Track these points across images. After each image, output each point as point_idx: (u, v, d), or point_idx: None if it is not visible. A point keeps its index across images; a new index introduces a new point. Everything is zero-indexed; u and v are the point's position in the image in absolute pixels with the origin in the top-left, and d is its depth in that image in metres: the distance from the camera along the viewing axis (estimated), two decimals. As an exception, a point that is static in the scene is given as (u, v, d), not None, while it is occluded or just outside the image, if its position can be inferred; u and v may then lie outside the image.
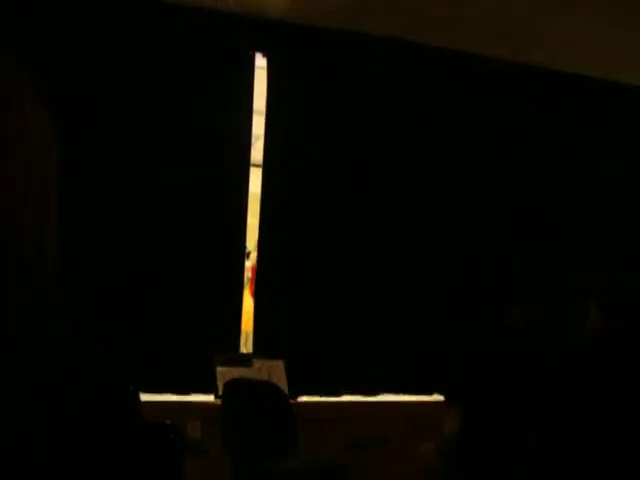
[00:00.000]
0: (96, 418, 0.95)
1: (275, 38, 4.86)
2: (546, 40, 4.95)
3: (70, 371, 0.95)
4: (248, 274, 5.28)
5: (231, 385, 3.88)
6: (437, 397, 4.86)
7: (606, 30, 4.74)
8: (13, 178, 0.97)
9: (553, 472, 2.76)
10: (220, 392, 3.96)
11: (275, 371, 4.20)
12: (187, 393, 4.28)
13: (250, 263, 5.41)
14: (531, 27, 4.75)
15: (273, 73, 4.90)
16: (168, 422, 2.31)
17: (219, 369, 4.07)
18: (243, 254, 4.94)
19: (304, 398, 4.68)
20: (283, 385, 4.13)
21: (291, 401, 4.24)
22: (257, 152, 4.97)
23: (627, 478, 2.64)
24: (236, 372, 4.05)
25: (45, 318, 0.94)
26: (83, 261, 4.05)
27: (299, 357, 4.54)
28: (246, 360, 4.26)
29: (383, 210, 5.06)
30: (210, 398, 4.21)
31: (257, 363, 4.23)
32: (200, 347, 4.38)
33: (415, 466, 4.03)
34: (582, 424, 2.75)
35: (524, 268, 5.36)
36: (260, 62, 4.90)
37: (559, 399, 2.84)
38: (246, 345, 5.14)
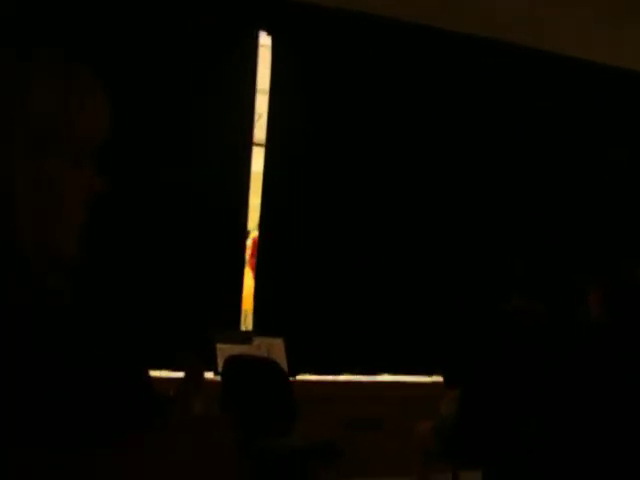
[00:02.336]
0: (114, 395, 0.97)
1: (280, 16, 4.84)
2: (552, 25, 4.94)
3: (85, 357, 0.96)
4: (247, 252, 5.29)
5: (231, 362, 3.90)
6: (436, 378, 4.90)
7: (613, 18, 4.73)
8: (12, 178, 0.98)
9: (550, 458, 2.78)
10: (220, 369, 3.98)
11: (275, 349, 4.22)
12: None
13: (250, 241, 5.43)
14: (538, 11, 4.74)
15: (277, 52, 4.89)
16: (172, 393, 2.32)
17: (219, 346, 4.09)
18: (244, 233, 4.95)
19: (303, 376, 4.71)
20: (283, 363, 4.15)
21: (290, 379, 4.26)
22: (259, 131, 4.97)
23: (626, 466, 2.66)
24: (236, 349, 4.07)
25: (52, 309, 0.95)
26: (84, 241, 4.05)
27: (299, 335, 4.56)
28: (246, 337, 4.27)
29: (385, 191, 5.07)
30: (210, 375, 4.24)
31: (257, 340, 4.25)
32: (201, 325, 4.40)
33: (412, 445, 4.07)
34: (580, 411, 2.76)
35: (526, 255, 5.37)
36: (264, 40, 4.89)
37: (558, 386, 2.86)
38: (245, 323, 5.16)
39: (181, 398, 1.30)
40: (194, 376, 1.40)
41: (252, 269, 5.20)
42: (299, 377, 4.66)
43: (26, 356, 0.89)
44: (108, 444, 0.89)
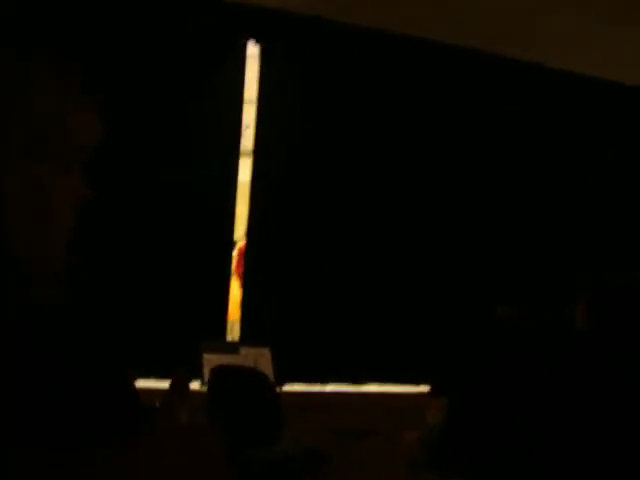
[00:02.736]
0: (98, 404, 0.97)
1: (269, 27, 4.85)
2: (542, 37, 4.96)
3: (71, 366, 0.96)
4: (234, 262, 5.29)
5: (217, 371, 3.88)
6: (424, 388, 4.89)
7: (604, 27, 4.75)
8: (4, 180, 0.97)
9: (538, 466, 2.78)
10: (206, 378, 3.96)
11: (261, 359, 4.20)
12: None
13: (236, 251, 5.43)
14: (527, 23, 4.76)
15: (265, 62, 4.89)
16: (157, 404, 2.31)
17: (205, 356, 4.07)
18: (231, 243, 4.95)
19: (290, 386, 4.70)
20: (269, 373, 4.13)
21: (277, 389, 4.25)
22: (246, 141, 4.97)
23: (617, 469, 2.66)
24: (222, 359, 4.05)
25: (40, 313, 0.94)
26: (73, 245, 4.02)
27: (285, 345, 4.55)
28: (233, 347, 4.26)
29: (374, 200, 5.08)
30: (196, 385, 4.21)
31: (243, 350, 4.23)
32: (187, 334, 4.39)
33: (398, 455, 4.06)
34: (568, 418, 2.77)
35: (516, 263, 5.39)
36: (252, 50, 4.89)
37: (545, 393, 2.87)
38: (232, 333, 5.14)
39: (166, 407, 1.28)
40: (179, 386, 1.39)
41: (239, 278, 5.19)
42: (286, 387, 4.65)
43: (18, 358, 0.88)
44: (98, 446, 0.89)
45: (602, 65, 5.33)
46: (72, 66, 1.08)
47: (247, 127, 5.01)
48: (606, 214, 5.64)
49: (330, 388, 4.90)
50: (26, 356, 0.91)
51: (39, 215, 1.04)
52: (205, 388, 3.95)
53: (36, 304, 0.99)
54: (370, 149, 5.10)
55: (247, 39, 4.84)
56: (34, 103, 1.01)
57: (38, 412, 0.89)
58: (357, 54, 5.05)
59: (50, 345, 0.96)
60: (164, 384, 3.95)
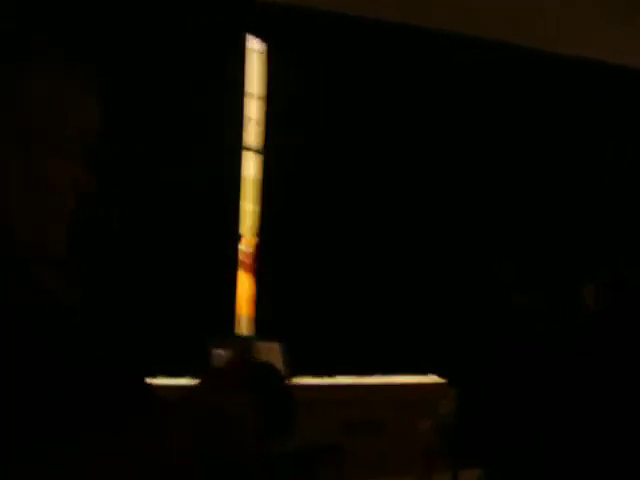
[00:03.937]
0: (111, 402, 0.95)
1: (275, 22, 4.82)
2: (542, 20, 4.91)
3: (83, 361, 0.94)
4: (247, 257, 5.29)
5: (228, 367, 3.86)
6: (433, 378, 4.88)
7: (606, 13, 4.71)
8: (6, 176, 0.96)
9: (550, 454, 2.77)
10: (217, 374, 3.94)
11: (272, 353, 4.18)
12: (182, 376, 4.27)
13: (251, 248, 5.43)
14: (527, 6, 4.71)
15: (273, 57, 4.87)
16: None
17: (215, 351, 4.05)
18: (236, 238, 4.95)
19: (301, 379, 4.68)
20: (281, 366, 4.11)
21: (289, 382, 4.23)
22: (252, 137, 4.96)
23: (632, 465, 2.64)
24: (232, 354, 4.03)
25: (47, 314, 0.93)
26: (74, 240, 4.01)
27: (294, 338, 4.54)
28: (242, 342, 4.25)
29: (384, 193, 5.07)
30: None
31: (254, 345, 4.22)
32: (195, 330, 4.38)
33: (410, 445, 4.05)
34: (581, 407, 2.75)
35: (524, 253, 5.37)
36: (259, 46, 4.86)
37: (558, 382, 2.85)
38: (241, 328, 5.13)
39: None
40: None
41: (253, 275, 5.20)
42: (297, 380, 4.63)
43: (25, 356, 0.87)
44: (105, 442, 0.87)
45: (619, 51, 5.26)
46: (72, 54, 1.07)
47: (251, 121, 5.00)
48: (621, 204, 5.60)
49: (341, 380, 4.89)
50: (30, 353, 0.89)
51: (39, 200, 1.02)
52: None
53: (38, 288, 0.98)
54: (382, 142, 5.09)
55: (248, 33, 4.81)
56: (32, 88, 1.00)
57: (42, 406, 0.87)
58: (366, 46, 5.02)
59: (58, 342, 0.94)
60: (174, 381, 3.92)
